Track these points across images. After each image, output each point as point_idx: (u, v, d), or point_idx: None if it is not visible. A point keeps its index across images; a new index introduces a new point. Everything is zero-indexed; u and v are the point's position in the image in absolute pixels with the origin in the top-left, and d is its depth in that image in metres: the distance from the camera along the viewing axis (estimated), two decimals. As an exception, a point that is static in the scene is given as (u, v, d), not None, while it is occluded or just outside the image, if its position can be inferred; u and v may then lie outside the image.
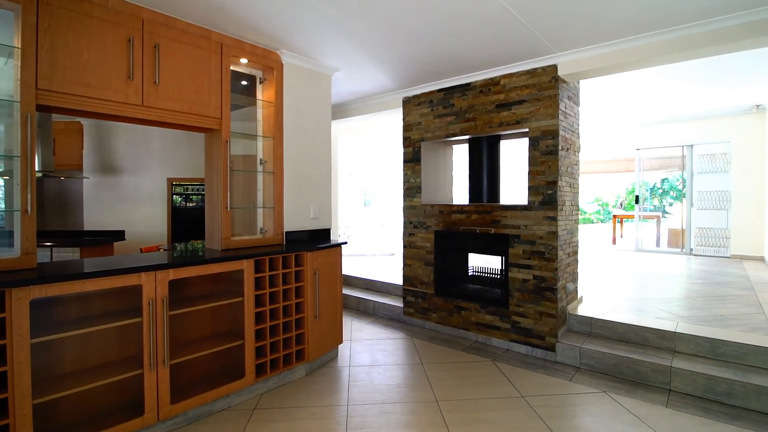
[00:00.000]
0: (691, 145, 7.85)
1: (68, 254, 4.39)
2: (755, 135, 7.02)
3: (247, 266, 2.77)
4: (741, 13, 2.69)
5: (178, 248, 3.45)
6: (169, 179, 5.46)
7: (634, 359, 3.12)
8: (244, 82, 3.40)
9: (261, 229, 3.34)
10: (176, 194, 5.47)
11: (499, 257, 3.92)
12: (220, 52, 2.90)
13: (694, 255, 7.70)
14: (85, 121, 5.26)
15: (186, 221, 5.48)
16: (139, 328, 2.30)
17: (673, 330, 3.26)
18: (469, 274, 4.43)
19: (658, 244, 9.16)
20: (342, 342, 3.63)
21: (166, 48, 2.62)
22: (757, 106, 6.59)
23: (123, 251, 5.09)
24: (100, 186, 5.38)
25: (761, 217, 6.95)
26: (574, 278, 4.00)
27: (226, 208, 2.93)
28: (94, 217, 5.34)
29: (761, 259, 6.93)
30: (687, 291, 4.79)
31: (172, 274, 2.40)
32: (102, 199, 5.36)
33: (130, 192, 5.41)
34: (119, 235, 5.20)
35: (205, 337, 2.84)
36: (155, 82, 2.55)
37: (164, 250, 3.87)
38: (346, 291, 5.30)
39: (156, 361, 2.32)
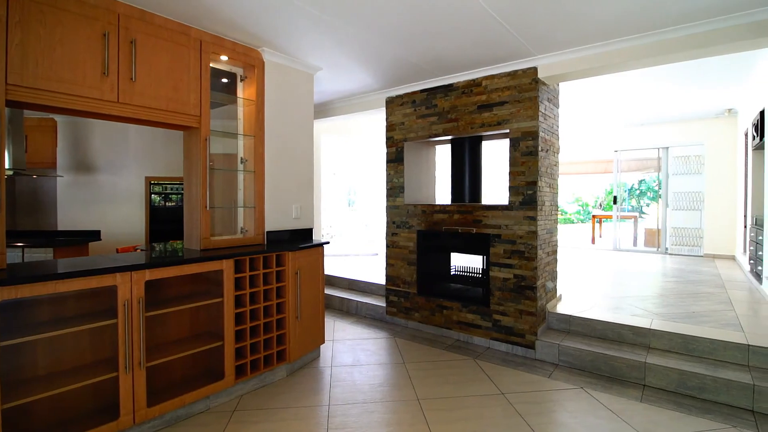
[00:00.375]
0: (667, 147, 8.08)
1: (41, 255, 4.26)
2: (727, 138, 7.27)
3: (226, 266, 2.74)
4: (716, 19, 2.77)
5: (157, 249, 3.39)
6: (147, 178, 5.34)
7: (610, 356, 3.20)
8: (224, 80, 3.35)
9: (242, 228, 3.30)
10: (155, 193, 5.37)
11: (481, 256, 3.96)
12: (200, 49, 2.86)
13: (670, 254, 7.92)
14: (59, 118, 5.11)
15: (165, 221, 5.38)
16: (114, 330, 2.25)
17: (648, 327, 3.35)
18: (452, 273, 4.46)
19: (635, 243, 9.39)
20: (324, 342, 3.61)
21: (143, 44, 2.56)
22: (729, 109, 6.82)
23: (99, 252, 4.96)
24: (75, 185, 5.23)
25: (732, 217, 7.20)
26: (554, 277, 4.07)
27: (206, 207, 2.88)
28: (69, 217, 5.20)
29: (732, 258, 7.17)
30: (662, 289, 4.93)
31: (149, 274, 2.35)
32: (77, 198, 5.22)
33: (107, 191, 5.28)
34: (95, 235, 5.06)
35: (183, 339, 2.79)
36: (131, 79, 2.50)
37: (141, 250, 3.79)
38: (329, 291, 5.28)
39: (132, 364, 2.27)
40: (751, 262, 5.34)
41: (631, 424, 2.51)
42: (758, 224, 5.02)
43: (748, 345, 2.97)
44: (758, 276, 4.86)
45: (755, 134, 5.15)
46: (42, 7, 2.17)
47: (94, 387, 2.31)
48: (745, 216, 6.04)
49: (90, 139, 5.29)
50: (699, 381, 2.85)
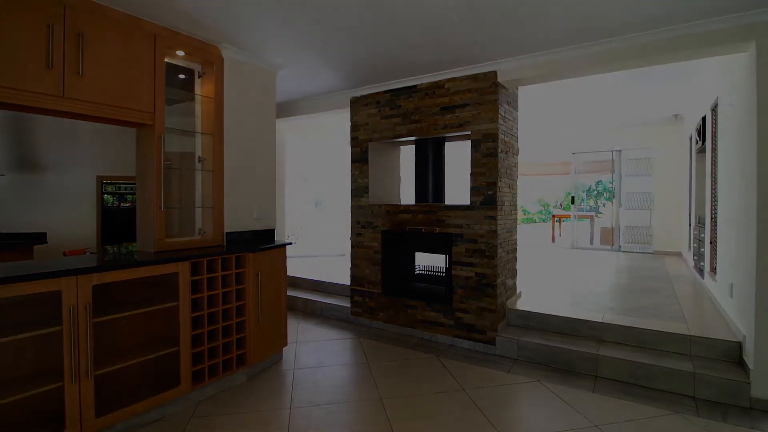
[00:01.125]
0: (620, 150, 8.49)
1: (-21, 259, 3.96)
2: (674, 142, 7.72)
3: (182, 269, 2.65)
4: (661, 29, 2.94)
5: (109, 251, 3.24)
6: (99, 177, 5.09)
7: (565, 349, 3.33)
8: (181, 76, 3.24)
9: (199, 230, 3.20)
10: (108, 194, 5.12)
11: (444, 256, 4.02)
12: (154, 44, 2.75)
13: (623, 251, 8.32)
14: (0, 113, 4.78)
15: (119, 222, 5.13)
16: (59, 338, 2.12)
17: (601, 321, 3.51)
18: (416, 272, 4.51)
19: (591, 241, 9.81)
20: (287, 345, 3.56)
21: (92, 36, 2.44)
22: (676, 115, 7.25)
23: (44, 256, 4.67)
24: (18, 184, 4.90)
25: (678, 216, 7.65)
26: (513, 275, 4.19)
27: (160, 207, 2.78)
28: (11, 219, 4.86)
29: (679, 254, 7.63)
30: (614, 285, 5.18)
31: (97, 278, 2.24)
32: (20, 198, 4.89)
33: (54, 191, 4.98)
34: (40, 238, 4.76)
35: (136, 345, 2.67)
36: (79, 73, 2.37)
37: (91, 253, 3.61)
38: (293, 293, 5.21)
39: (78, 373, 2.15)
40: (695, 258, 5.70)
41: (583, 414, 2.62)
42: (701, 223, 5.37)
43: (690, 336, 3.16)
44: (701, 271, 5.19)
45: (698, 138, 5.50)
46: (-24, -6, 2.03)
47: (37, 398, 2.17)
48: (690, 215, 6.44)
49: (35, 136, 4.98)
50: (646, 371, 3.01)
